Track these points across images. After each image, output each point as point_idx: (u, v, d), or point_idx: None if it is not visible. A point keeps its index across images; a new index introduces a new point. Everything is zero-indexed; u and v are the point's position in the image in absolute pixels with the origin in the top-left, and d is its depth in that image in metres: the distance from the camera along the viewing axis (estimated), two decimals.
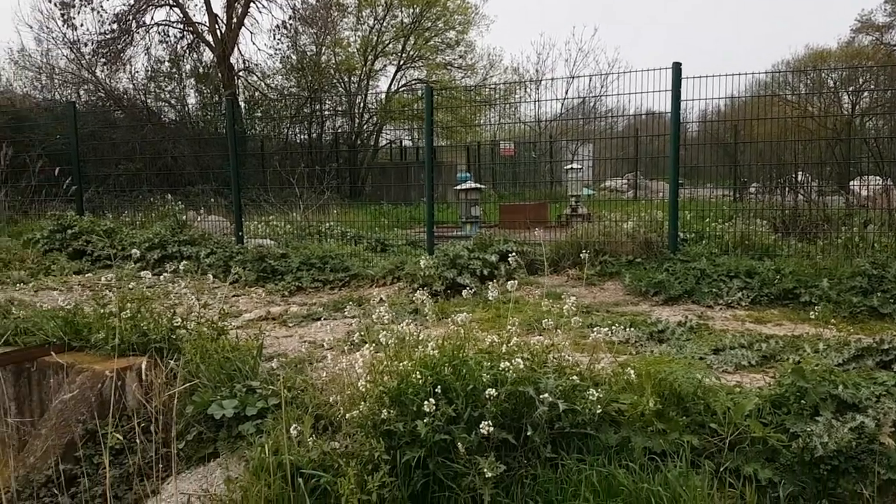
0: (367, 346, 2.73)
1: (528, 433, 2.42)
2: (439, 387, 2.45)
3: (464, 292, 3.83)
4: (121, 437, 3.42)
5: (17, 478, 3.67)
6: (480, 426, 2.34)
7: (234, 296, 6.88)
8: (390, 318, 3.08)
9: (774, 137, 7.48)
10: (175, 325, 4.23)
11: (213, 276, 6.62)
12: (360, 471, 2.53)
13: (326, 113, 15.72)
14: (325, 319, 5.70)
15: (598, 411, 2.47)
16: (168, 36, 16.57)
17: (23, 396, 4.27)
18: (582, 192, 9.74)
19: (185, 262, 6.23)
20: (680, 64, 6.43)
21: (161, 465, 3.70)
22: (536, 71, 23.36)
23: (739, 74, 8.37)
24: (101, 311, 4.29)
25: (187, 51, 15.60)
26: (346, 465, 2.57)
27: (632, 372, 2.60)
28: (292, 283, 7.04)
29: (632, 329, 4.15)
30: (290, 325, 5.60)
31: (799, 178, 7.81)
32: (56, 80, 14.68)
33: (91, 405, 3.83)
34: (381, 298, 5.95)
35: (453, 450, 2.44)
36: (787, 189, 7.68)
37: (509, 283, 3.23)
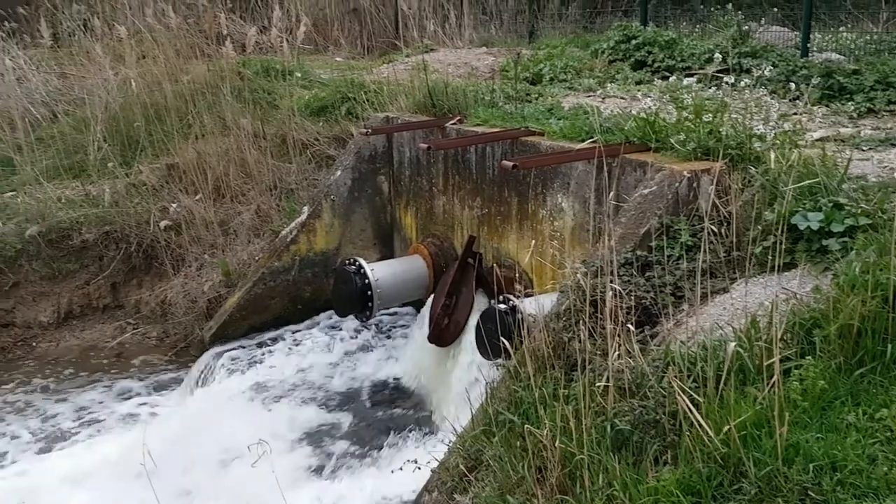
0: None
1: None
2: None
3: None
4: (704, 230, 3.62)
5: (599, 256, 4.20)
6: None
7: (794, 113, 6.48)
8: None
9: None
10: (751, 133, 4.18)
11: (772, 90, 6.29)
12: None
13: None
14: None
15: None
16: None
17: (602, 189, 4.81)
18: None
19: (744, 74, 6.02)
20: None
21: (729, 267, 3.84)
22: None
23: None
24: (681, 115, 4.47)
25: None
26: None
27: None
28: (862, 105, 6.27)
29: None
30: (864, 148, 5.04)
31: None
32: None
33: (667, 202, 4.10)
34: None
35: None
36: None
37: None
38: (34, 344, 6.86)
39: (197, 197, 7.24)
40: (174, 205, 7.13)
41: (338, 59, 11.81)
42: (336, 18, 11.97)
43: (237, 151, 7.48)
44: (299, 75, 8.89)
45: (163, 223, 6.96)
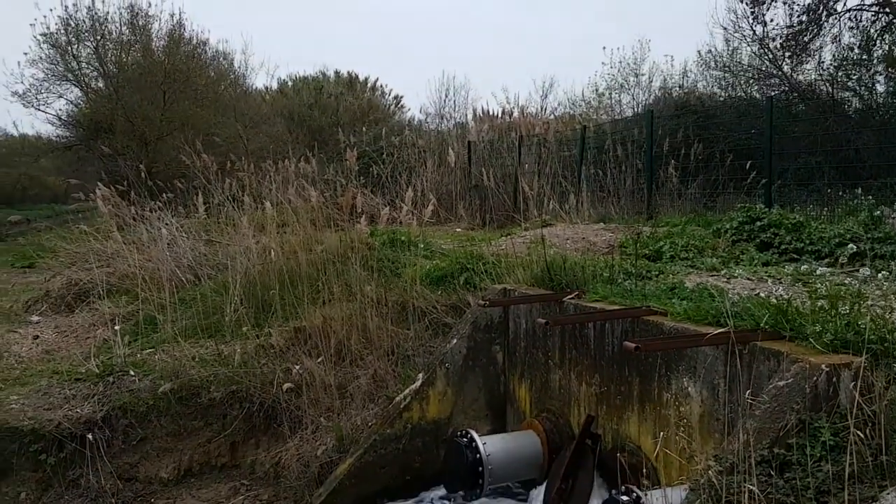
0: None
1: None
2: None
3: None
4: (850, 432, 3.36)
5: (732, 451, 3.93)
6: None
7: None
8: None
9: None
10: (894, 327, 3.94)
11: None
12: None
13: None
14: None
15: None
16: (859, 20, 15.72)
17: (732, 376, 4.59)
18: None
19: (878, 260, 5.79)
20: None
21: (877, 472, 3.50)
22: None
23: None
24: (815, 304, 4.30)
25: (880, 34, 14.47)
26: None
27: None
28: None
29: None
30: None
31: None
32: (740, 78, 15.58)
33: (804, 396, 3.85)
34: None
35: None
36: None
37: None
38: (153, 500, 7.01)
39: (319, 360, 7.48)
40: (297, 366, 7.38)
41: (458, 229, 12.36)
42: (459, 195, 12.70)
43: (360, 317, 7.77)
44: (422, 246, 9.32)
45: (286, 385, 7.19)
